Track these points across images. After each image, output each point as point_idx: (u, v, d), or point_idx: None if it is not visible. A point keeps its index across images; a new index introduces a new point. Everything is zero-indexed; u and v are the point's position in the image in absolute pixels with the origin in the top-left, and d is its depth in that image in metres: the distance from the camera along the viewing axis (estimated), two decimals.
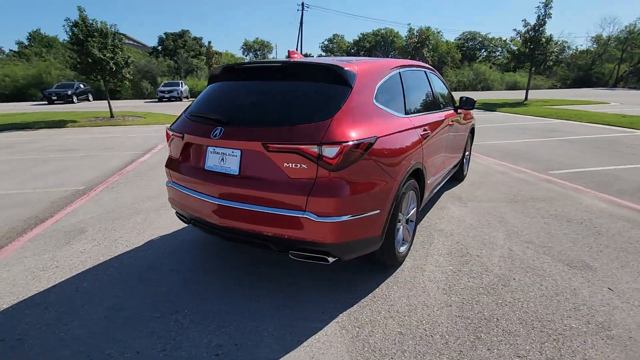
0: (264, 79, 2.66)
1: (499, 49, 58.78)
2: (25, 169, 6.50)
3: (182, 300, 2.52)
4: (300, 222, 2.17)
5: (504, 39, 55.94)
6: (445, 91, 4.39)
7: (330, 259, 2.29)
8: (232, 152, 2.35)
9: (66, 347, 2.09)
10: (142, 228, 3.78)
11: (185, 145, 2.67)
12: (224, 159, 2.39)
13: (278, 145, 2.16)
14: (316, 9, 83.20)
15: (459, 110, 4.48)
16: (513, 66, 21.44)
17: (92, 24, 13.33)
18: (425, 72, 3.79)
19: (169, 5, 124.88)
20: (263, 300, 2.49)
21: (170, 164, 2.86)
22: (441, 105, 3.95)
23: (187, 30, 52.72)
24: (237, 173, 2.34)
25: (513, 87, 42.01)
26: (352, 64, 2.52)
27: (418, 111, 3.27)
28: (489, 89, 42.26)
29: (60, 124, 13.18)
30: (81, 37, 12.86)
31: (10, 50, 45.12)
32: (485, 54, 60.99)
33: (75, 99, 26.41)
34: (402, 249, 2.93)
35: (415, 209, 3.07)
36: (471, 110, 4.86)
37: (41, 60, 36.08)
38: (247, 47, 64.45)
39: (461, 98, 4.48)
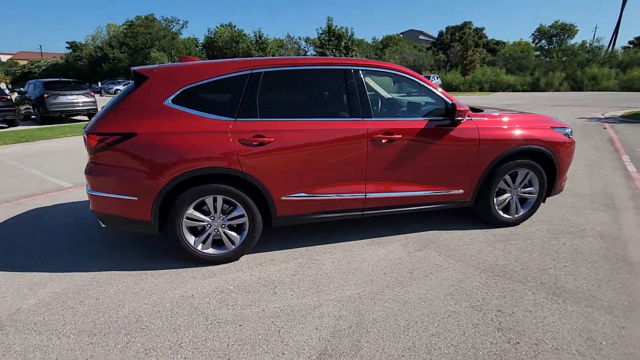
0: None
1: None
2: None
3: None
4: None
5: None
6: (384, 95, 3.64)
7: (102, 224, 2.89)
8: None
9: None
10: None
11: None
12: None
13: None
14: None
15: (459, 120, 3.11)
16: None
17: (335, 29, 16.43)
18: (354, 74, 3.02)
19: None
20: None
21: None
22: (363, 111, 2.99)
23: (468, 22, 51.55)
24: None
25: None
26: (153, 68, 2.79)
27: (281, 115, 2.86)
28: None
29: None
30: (322, 42, 16.23)
31: None
32: None
33: None
34: (212, 251, 2.90)
35: (242, 218, 2.86)
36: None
37: None
38: (542, 33, 55.04)
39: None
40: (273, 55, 40.74)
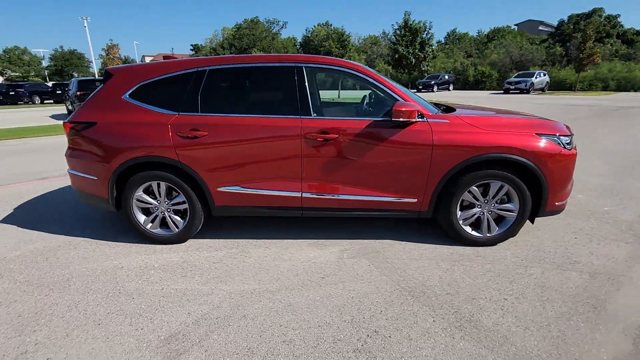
0: None
1: None
2: None
3: None
4: None
5: None
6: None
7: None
8: None
9: None
10: None
11: None
12: None
13: None
14: None
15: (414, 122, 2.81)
16: None
17: (412, 24, 15.69)
18: (296, 72, 2.99)
19: None
20: None
21: None
22: (300, 109, 2.94)
23: (599, 8, 43.48)
24: None
25: None
26: (119, 67, 3.17)
27: (220, 111, 2.99)
28: None
29: None
30: (397, 37, 15.66)
31: None
32: None
33: (435, 88, 30.81)
34: (158, 231, 3.21)
35: (185, 204, 3.12)
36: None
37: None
38: None
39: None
40: (350, 53, 40.98)
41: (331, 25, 52.20)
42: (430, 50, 24.95)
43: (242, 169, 3.03)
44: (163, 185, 3.11)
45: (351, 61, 3.15)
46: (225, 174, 3.04)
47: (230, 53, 54.03)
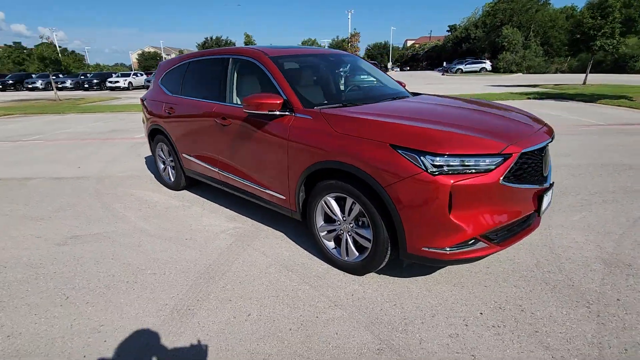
0: None
1: None
2: None
3: None
4: None
5: None
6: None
7: None
8: None
9: None
10: None
11: None
12: None
13: None
14: None
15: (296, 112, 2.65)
16: None
17: None
18: (228, 63, 3.32)
19: None
20: None
21: None
22: (218, 95, 3.35)
23: None
24: None
25: None
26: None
27: (193, 95, 3.73)
28: None
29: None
30: None
31: None
32: None
33: None
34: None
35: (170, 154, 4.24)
36: None
37: None
38: None
39: None
40: None
41: None
42: None
43: (189, 141, 3.79)
44: (161, 145, 4.34)
45: (257, 49, 3.15)
46: (184, 144, 3.89)
47: (483, 31, 49.55)
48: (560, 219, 3.25)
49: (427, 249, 2.09)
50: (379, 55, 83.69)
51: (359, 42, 42.07)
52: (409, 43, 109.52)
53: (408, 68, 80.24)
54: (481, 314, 2.11)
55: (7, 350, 1.91)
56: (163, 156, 4.48)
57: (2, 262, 2.82)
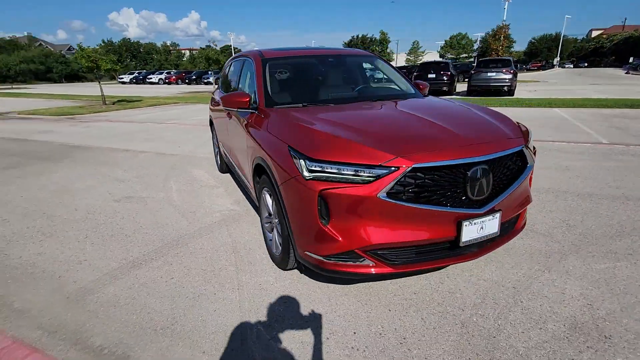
0: None
1: None
2: None
3: None
4: None
5: None
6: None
7: None
8: None
9: None
10: None
11: None
12: None
13: None
14: None
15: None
16: None
17: None
18: (242, 63, 3.74)
19: None
20: None
21: None
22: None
23: None
24: None
25: None
26: None
27: (224, 91, 4.33)
28: None
29: None
30: None
31: None
32: None
33: None
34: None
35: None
36: None
37: None
38: None
39: None
40: None
41: None
42: None
43: (218, 129, 4.43)
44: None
45: (257, 51, 3.43)
46: (216, 131, 4.56)
47: None
48: None
49: (309, 254, 2.08)
50: (545, 49, 71.48)
51: (509, 33, 36.92)
52: (595, 34, 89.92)
53: (586, 64, 66.24)
54: (354, 333, 1.98)
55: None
56: (216, 143, 5.28)
57: (74, 206, 4.00)
